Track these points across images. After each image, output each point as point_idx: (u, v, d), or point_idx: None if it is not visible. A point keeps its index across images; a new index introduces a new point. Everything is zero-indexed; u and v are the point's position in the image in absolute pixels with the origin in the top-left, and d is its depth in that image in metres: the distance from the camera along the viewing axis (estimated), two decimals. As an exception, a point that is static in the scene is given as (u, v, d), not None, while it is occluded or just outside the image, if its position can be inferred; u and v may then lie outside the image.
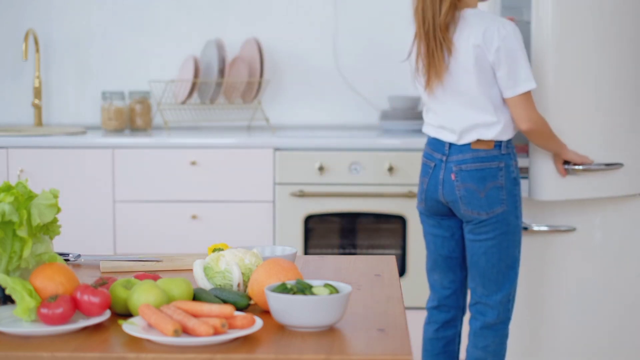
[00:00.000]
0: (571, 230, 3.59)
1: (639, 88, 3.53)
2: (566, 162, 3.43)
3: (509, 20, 3.15)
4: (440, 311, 3.40)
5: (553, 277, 3.62)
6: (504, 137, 3.18)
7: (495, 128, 3.16)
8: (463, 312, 3.43)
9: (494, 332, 3.28)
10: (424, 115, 3.33)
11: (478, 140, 3.17)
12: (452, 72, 3.15)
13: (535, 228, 3.59)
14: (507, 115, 3.18)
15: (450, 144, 3.20)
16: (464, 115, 3.17)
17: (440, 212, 3.28)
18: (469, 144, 3.17)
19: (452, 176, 3.18)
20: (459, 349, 3.46)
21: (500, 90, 3.15)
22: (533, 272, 3.62)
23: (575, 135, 3.43)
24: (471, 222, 3.21)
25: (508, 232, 3.20)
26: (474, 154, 3.17)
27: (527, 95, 3.14)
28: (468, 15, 3.14)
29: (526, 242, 3.60)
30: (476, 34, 3.10)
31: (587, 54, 3.46)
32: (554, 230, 3.60)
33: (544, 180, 3.45)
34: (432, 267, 3.38)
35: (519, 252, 3.26)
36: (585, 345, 3.64)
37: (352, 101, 4.61)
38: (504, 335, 3.30)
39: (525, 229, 3.59)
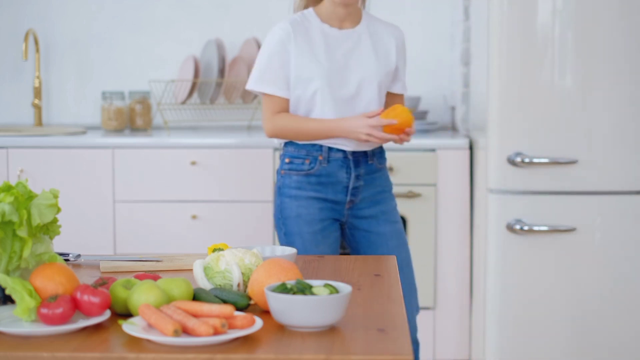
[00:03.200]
0: (571, 230, 3.59)
1: (593, 88, 3.55)
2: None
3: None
4: None
5: (553, 277, 3.62)
6: None
7: None
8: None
9: None
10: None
11: None
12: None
13: (535, 228, 3.59)
14: None
15: None
16: None
17: None
18: None
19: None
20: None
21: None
22: (533, 272, 3.62)
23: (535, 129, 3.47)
24: None
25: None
26: None
27: None
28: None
29: (526, 242, 3.60)
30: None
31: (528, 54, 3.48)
32: (554, 230, 3.60)
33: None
34: None
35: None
36: (585, 345, 3.64)
37: (352, 101, 4.60)
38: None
39: (523, 228, 3.59)
